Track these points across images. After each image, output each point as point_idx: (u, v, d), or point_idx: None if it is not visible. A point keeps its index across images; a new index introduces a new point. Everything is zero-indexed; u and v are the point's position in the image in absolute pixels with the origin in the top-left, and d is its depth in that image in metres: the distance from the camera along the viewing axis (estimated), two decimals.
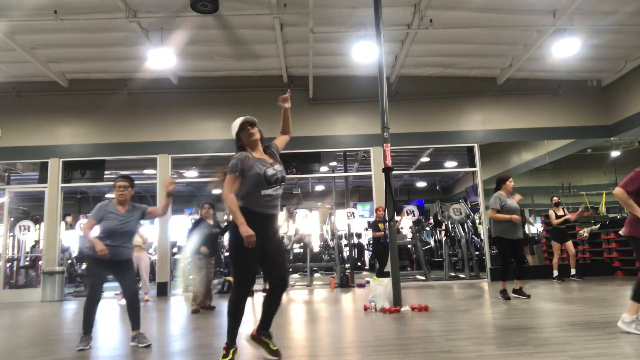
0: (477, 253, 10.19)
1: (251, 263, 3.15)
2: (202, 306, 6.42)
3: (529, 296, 6.19)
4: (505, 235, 6.09)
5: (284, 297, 3.27)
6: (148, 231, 9.43)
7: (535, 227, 11.42)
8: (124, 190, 4.34)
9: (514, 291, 6.28)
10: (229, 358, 3.09)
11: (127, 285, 4.22)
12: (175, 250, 10.96)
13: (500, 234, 6.13)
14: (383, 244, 8.79)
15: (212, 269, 6.71)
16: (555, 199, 9.03)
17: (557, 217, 8.73)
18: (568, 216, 8.76)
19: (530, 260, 10.05)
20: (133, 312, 4.19)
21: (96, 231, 4.19)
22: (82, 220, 11.98)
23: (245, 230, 2.99)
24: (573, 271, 8.65)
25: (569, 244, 8.69)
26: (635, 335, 3.63)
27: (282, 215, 10.06)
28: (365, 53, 7.98)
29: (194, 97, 9.91)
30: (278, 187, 3.24)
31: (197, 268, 6.48)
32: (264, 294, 3.40)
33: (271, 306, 3.27)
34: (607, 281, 8.17)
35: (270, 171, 3.20)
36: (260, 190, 3.15)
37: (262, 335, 3.25)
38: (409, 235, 10.95)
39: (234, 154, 3.35)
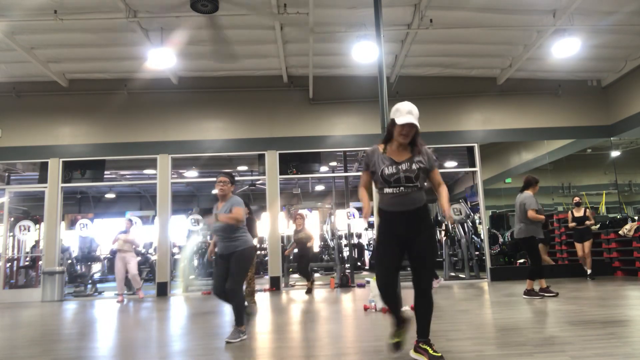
0: (477, 253, 10.19)
1: (384, 261, 3.09)
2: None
3: (556, 294, 6.17)
4: (538, 234, 6.19)
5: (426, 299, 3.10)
6: (149, 231, 9.41)
7: None
8: (223, 185, 4.37)
9: (541, 290, 6.25)
10: (397, 339, 3.11)
11: (229, 280, 4.21)
12: (175, 250, 10.96)
13: (533, 234, 6.20)
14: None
15: (253, 267, 6.53)
16: (577, 199, 9.05)
17: (574, 219, 8.81)
18: (588, 220, 8.79)
19: (548, 259, 10.03)
20: (233, 307, 4.21)
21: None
22: (83, 220, 11.97)
23: (365, 212, 3.02)
24: (589, 271, 8.67)
25: (587, 244, 8.73)
26: (636, 335, 3.63)
27: (282, 215, 10.06)
28: (365, 53, 7.98)
29: (194, 97, 9.91)
30: (402, 187, 3.01)
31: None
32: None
33: (419, 312, 3.09)
34: (607, 281, 8.17)
35: (388, 170, 3.02)
36: (383, 189, 3.07)
37: (419, 343, 3.07)
38: None
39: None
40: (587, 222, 8.78)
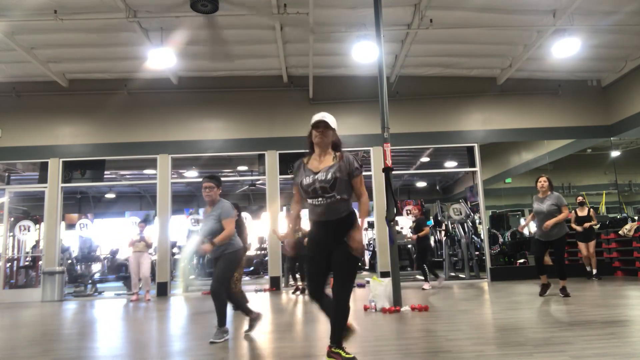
0: (477, 253, 10.19)
1: (311, 265, 3.10)
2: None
3: (568, 295, 6.11)
4: (537, 236, 6.30)
5: (345, 308, 3.05)
6: (150, 230, 9.42)
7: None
8: (210, 191, 4.29)
9: (561, 289, 6.22)
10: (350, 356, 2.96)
11: (212, 281, 4.20)
12: (175, 250, 10.96)
13: (534, 234, 6.44)
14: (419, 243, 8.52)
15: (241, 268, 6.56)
16: (580, 198, 9.07)
17: (577, 218, 8.80)
18: (592, 220, 8.80)
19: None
20: (216, 308, 4.19)
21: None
22: (83, 220, 11.98)
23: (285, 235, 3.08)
24: (594, 271, 8.63)
25: (592, 244, 8.69)
26: (636, 335, 3.63)
27: (282, 215, 10.06)
28: (365, 53, 7.98)
29: (194, 97, 9.91)
30: (320, 198, 2.97)
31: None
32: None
33: (332, 318, 3.06)
34: (607, 281, 8.17)
35: (305, 181, 3.02)
36: (307, 200, 3.07)
37: (331, 348, 3.03)
38: (409, 235, 10.95)
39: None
40: (591, 222, 8.78)
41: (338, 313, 3.02)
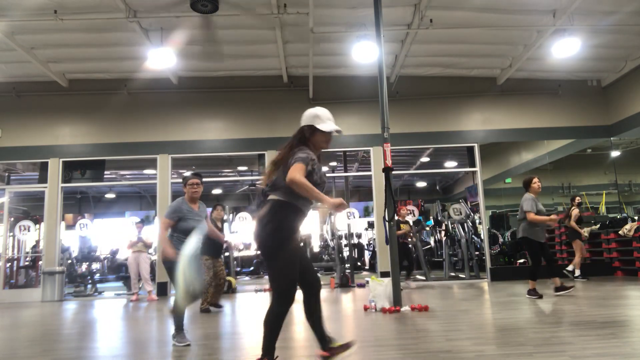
0: (477, 253, 10.19)
1: (296, 264, 2.80)
2: (212, 304, 6.40)
3: (567, 288, 6.19)
4: (537, 237, 6.18)
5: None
6: (148, 231, 9.43)
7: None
8: (197, 188, 4.29)
9: (555, 289, 6.27)
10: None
11: (197, 280, 4.18)
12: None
13: (528, 235, 6.21)
14: (402, 244, 8.43)
15: (220, 267, 6.55)
16: (578, 199, 9.10)
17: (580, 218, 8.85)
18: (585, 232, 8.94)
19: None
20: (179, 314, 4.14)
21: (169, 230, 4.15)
22: (82, 220, 11.98)
23: (333, 200, 2.66)
24: (577, 272, 8.67)
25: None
26: (636, 335, 3.63)
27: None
28: (365, 53, 7.98)
29: (194, 97, 9.91)
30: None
31: (205, 268, 6.47)
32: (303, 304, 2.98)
33: (318, 313, 2.95)
34: (607, 281, 8.17)
35: (324, 177, 2.93)
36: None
37: (330, 346, 2.90)
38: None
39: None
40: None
41: (320, 307, 2.95)
